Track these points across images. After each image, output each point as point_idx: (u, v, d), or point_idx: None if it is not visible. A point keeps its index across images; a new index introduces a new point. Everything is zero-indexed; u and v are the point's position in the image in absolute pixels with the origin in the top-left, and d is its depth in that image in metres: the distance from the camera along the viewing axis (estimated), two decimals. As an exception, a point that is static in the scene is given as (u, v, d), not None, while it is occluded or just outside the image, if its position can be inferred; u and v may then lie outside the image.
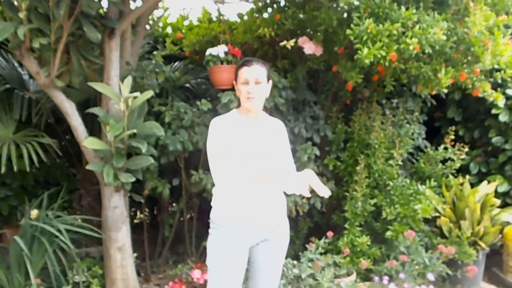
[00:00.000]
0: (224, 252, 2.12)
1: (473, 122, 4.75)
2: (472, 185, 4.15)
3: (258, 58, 2.22)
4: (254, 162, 2.08)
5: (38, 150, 3.39)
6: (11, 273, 3.10)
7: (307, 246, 3.64)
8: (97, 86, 3.02)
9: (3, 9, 3.01)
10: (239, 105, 2.23)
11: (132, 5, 3.31)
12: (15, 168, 3.26)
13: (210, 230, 2.19)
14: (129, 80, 2.97)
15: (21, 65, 3.83)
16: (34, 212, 3.32)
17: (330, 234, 3.70)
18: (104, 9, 3.31)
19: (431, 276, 3.45)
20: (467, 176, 4.18)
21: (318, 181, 1.89)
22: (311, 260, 3.49)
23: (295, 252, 3.79)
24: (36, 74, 3.02)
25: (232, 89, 3.44)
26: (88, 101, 3.72)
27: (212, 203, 2.23)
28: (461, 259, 3.65)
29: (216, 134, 2.10)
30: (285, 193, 2.26)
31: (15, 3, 2.77)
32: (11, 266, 3.10)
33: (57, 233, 3.10)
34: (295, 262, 3.48)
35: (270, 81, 2.20)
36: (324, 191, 1.87)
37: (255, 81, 2.09)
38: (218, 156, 2.06)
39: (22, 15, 2.70)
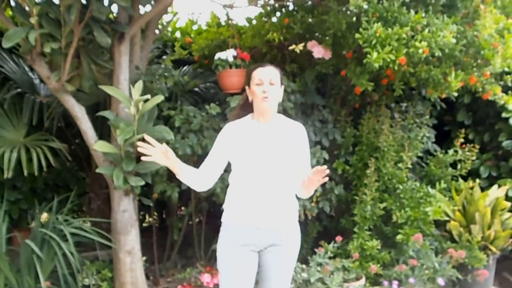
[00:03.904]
0: (232, 253, 2.13)
1: (483, 126, 4.72)
2: (483, 189, 4.12)
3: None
4: (258, 166, 2.11)
5: (48, 154, 3.41)
6: (21, 276, 3.12)
7: (316, 250, 3.63)
8: (108, 89, 3.04)
9: (15, 14, 3.05)
10: (250, 111, 2.24)
11: (142, 10, 3.33)
12: (25, 173, 3.29)
13: (220, 233, 2.21)
14: (139, 84, 2.99)
15: (32, 69, 3.86)
16: (44, 216, 3.33)
17: (339, 238, 3.69)
18: (114, 14, 3.34)
19: (441, 281, 3.43)
20: (477, 180, 4.15)
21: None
22: (320, 264, 3.48)
23: (304, 256, 3.78)
24: (47, 78, 3.04)
25: (241, 93, 3.45)
26: (97, 105, 3.75)
27: (223, 206, 2.24)
28: (471, 263, 3.62)
29: (218, 140, 2.20)
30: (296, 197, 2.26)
31: (27, 8, 2.80)
32: (21, 269, 3.12)
33: (65, 239, 3.12)
34: (304, 266, 3.48)
35: (283, 86, 2.21)
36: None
37: (270, 81, 2.10)
38: (206, 158, 2.21)
39: (33, 20, 2.72)
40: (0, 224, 3.22)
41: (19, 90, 3.74)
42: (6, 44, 2.72)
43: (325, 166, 1.96)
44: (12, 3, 2.99)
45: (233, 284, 2.13)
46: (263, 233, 2.14)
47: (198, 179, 2.19)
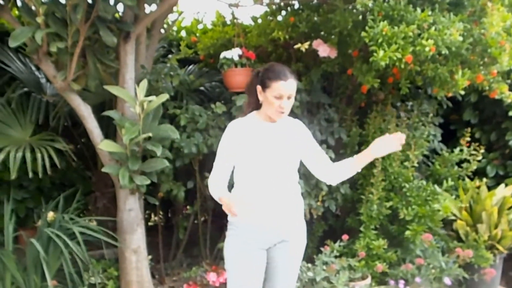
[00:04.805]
0: (241, 252, 2.13)
1: (490, 125, 4.69)
2: (489, 188, 4.10)
3: (287, 67, 2.14)
4: (266, 166, 2.11)
5: (53, 155, 3.41)
6: (28, 275, 3.13)
7: (321, 249, 3.62)
8: (113, 89, 3.05)
9: (21, 14, 3.06)
10: (255, 108, 2.23)
11: (147, 9, 3.34)
12: (30, 174, 3.28)
13: (227, 232, 2.21)
14: (144, 83, 2.99)
15: (38, 68, 3.87)
16: (50, 215, 3.35)
17: (345, 237, 3.68)
18: (120, 13, 3.34)
19: (447, 280, 3.42)
20: (484, 179, 4.13)
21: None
22: (325, 263, 3.48)
23: (309, 255, 3.77)
24: (53, 77, 3.05)
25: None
26: (103, 104, 3.76)
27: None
28: (478, 263, 3.60)
29: (226, 139, 2.16)
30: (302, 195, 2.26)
31: (33, 8, 2.81)
32: (28, 268, 3.13)
33: (72, 237, 3.13)
34: (309, 265, 3.47)
35: None
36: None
37: (288, 96, 2.09)
38: (217, 160, 2.18)
39: (39, 19, 2.74)
40: (7, 223, 3.23)
41: (25, 89, 3.75)
42: (12, 44, 2.73)
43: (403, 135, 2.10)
44: (19, 3, 3.00)
45: (243, 283, 2.13)
46: (272, 231, 2.15)
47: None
